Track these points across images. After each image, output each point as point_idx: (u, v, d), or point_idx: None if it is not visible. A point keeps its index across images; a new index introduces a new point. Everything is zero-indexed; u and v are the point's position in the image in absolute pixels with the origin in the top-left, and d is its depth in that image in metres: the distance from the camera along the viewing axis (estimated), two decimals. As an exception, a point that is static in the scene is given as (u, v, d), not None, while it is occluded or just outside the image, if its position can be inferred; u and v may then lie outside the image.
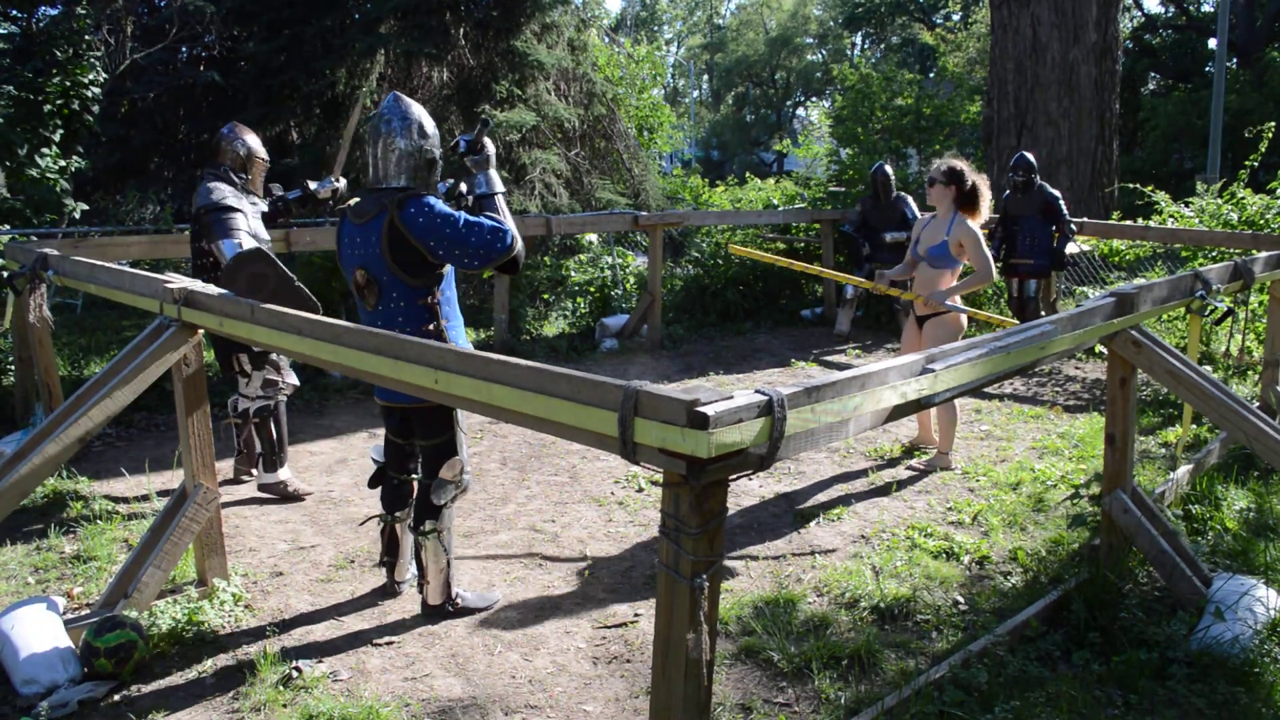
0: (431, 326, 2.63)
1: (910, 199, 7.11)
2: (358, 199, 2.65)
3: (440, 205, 2.53)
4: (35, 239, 5.15)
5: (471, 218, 2.54)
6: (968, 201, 4.13)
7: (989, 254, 4.09)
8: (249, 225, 3.65)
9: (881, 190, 7.08)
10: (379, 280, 2.58)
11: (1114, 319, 2.72)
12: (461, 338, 2.76)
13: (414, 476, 2.95)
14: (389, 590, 3.06)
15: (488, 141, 2.71)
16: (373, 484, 3.03)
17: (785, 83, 36.68)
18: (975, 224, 4.12)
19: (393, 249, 2.52)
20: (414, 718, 2.37)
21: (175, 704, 2.42)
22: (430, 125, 2.67)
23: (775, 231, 8.79)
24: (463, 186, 2.79)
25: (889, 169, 7.13)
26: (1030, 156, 6.51)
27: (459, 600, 2.91)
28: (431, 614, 2.88)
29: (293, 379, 3.92)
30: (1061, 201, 6.37)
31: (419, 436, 2.83)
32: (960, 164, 4.18)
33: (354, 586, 3.14)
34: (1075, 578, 2.89)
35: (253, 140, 3.81)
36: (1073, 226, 6.43)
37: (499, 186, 2.70)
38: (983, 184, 4.16)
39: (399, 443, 2.93)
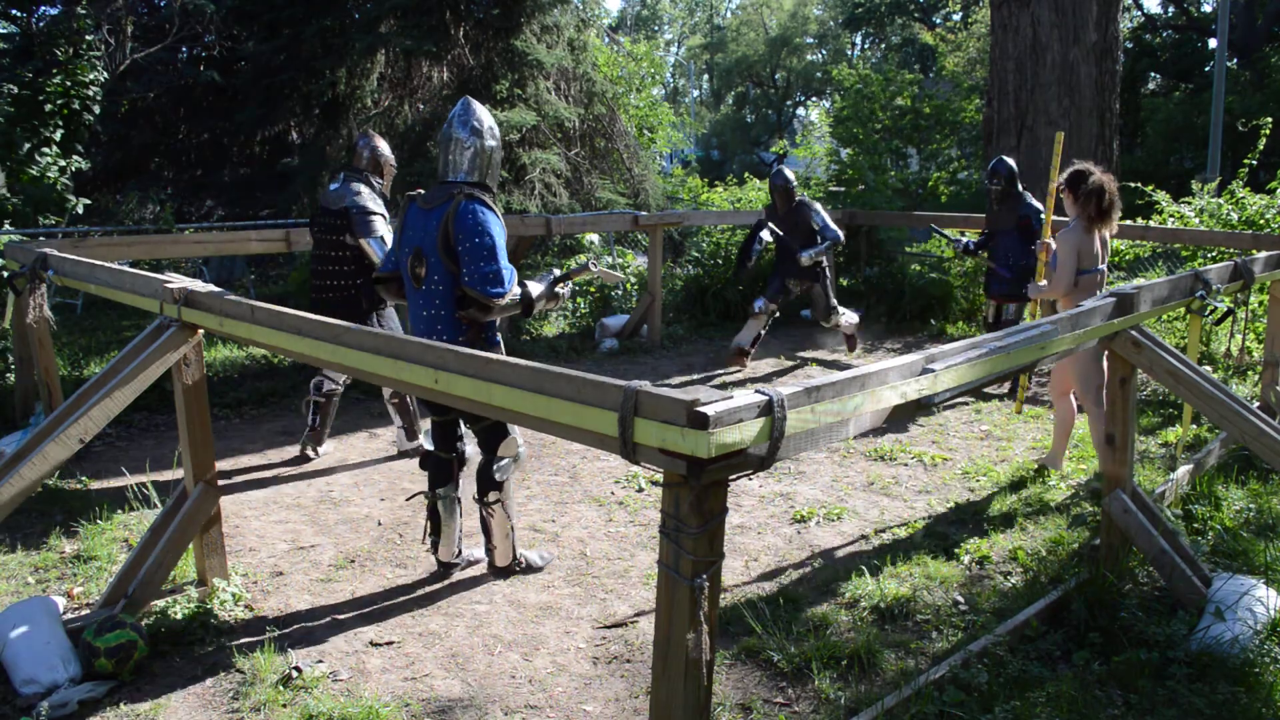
0: (464, 312, 2.86)
1: (817, 205, 6.06)
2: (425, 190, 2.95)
3: (491, 219, 2.81)
4: (43, 238, 5.15)
5: (500, 254, 2.79)
6: (1091, 207, 3.67)
7: (1072, 266, 3.68)
8: (386, 227, 3.99)
9: (779, 199, 6.02)
10: (428, 260, 2.85)
11: (1114, 319, 2.72)
12: (497, 334, 3.01)
13: (455, 455, 3.14)
14: (440, 575, 3.19)
15: (562, 287, 3.07)
16: (423, 465, 3.23)
17: (785, 83, 36.67)
18: (1094, 233, 3.70)
19: (445, 235, 2.79)
20: (414, 718, 2.37)
21: (175, 704, 2.42)
22: (495, 129, 2.96)
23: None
24: (556, 271, 3.17)
25: (789, 173, 6.07)
26: (1010, 162, 5.60)
27: (523, 560, 3.20)
28: (499, 574, 3.17)
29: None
30: (1044, 215, 5.05)
31: (469, 420, 3.03)
32: (1084, 166, 3.75)
33: (354, 586, 3.14)
34: (1075, 578, 2.89)
35: (384, 147, 4.11)
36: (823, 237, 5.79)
37: (533, 293, 2.98)
38: (1110, 186, 3.69)
39: (441, 422, 3.10)
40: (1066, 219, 3.89)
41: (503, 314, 2.87)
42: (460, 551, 3.21)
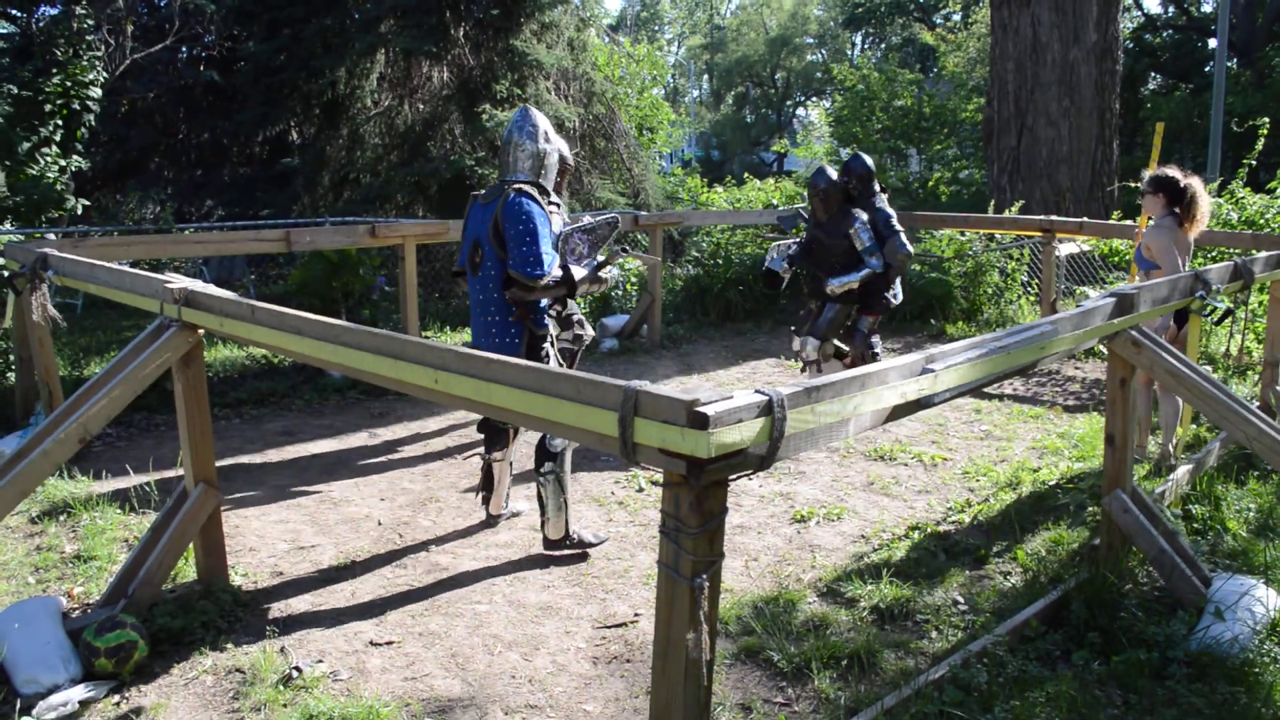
0: (509, 296, 3.11)
1: (865, 218, 4.68)
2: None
3: (534, 210, 3.06)
4: (49, 238, 5.14)
5: (541, 240, 3.04)
6: (1181, 209, 3.90)
7: (1177, 261, 3.86)
8: (560, 224, 4.11)
9: (818, 205, 4.77)
10: (484, 249, 3.13)
11: (1114, 319, 2.72)
12: (544, 316, 3.23)
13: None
14: (488, 522, 3.58)
15: (605, 271, 3.34)
16: (480, 428, 3.45)
17: (785, 83, 36.65)
18: (1182, 231, 3.90)
19: (496, 225, 3.09)
20: (414, 717, 2.37)
21: (175, 704, 2.43)
22: (552, 132, 3.24)
23: (775, 231, 8.78)
24: (601, 256, 3.44)
25: (832, 173, 4.78)
26: (868, 160, 4.88)
27: (575, 536, 3.31)
28: (552, 547, 3.29)
29: (590, 330, 4.27)
30: (894, 220, 4.73)
31: None
32: (1170, 171, 3.98)
33: (354, 586, 3.14)
34: (1075, 578, 2.89)
35: (565, 149, 4.32)
36: (889, 259, 4.66)
37: (575, 275, 3.21)
38: (1199, 190, 3.91)
39: None
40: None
41: (545, 294, 3.13)
42: (507, 504, 3.61)
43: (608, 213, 4.83)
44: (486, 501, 3.56)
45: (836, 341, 4.88)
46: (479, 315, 3.21)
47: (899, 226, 4.80)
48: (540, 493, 3.24)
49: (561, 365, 3.39)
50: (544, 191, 3.22)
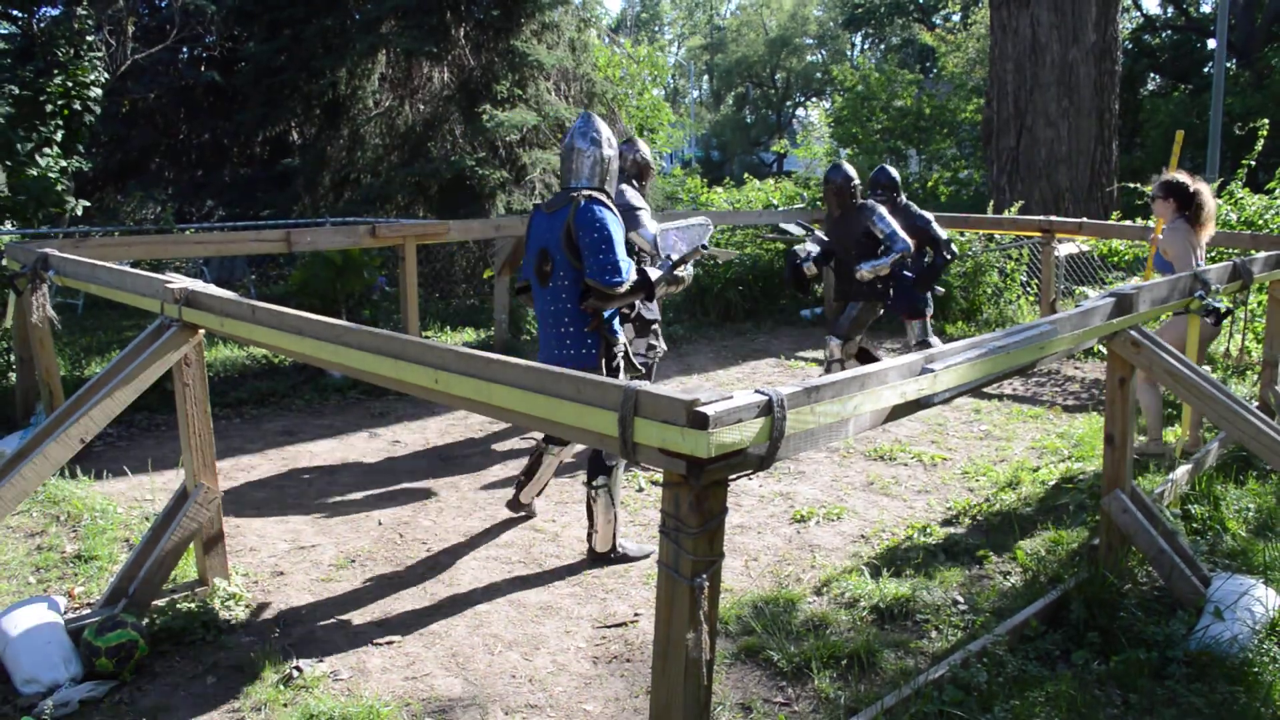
0: (584, 306, 3.07)
1: (882, 209, 4.94)
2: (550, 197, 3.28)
3: (608, 216, 3.03)
4: (45, 238, 5.15)
5: (617, 247, 3.01)
6: (1190, 211, 4.01)
7: (1193, 263, 3.94)
8: (652, 220, 4.21)
9: (833, 201, 4.95)
10: (554, 259, 3.07)
11: (1113, 319, 2.72)
12: (616, 324, 3.18)
13: None
14: (511, 506, 3.60)
15: (681, 270, 3.42)
16: None
17: (785, 83, 36.67)
18: (1196, 233, 4.00)
19: (569, 234, 3.02)
20: (414, 717, 2.38)
21: (176, 703, 2.43)
22: (612, 139, 3.20)
23: (775, 232, 8.79)
24: (675, 255, 3.52)
25: (849, 169, 4.97)
26: (892, 171, 5.42)
27: (620, 548, 3.32)
28: (598, 559, 3.30)
29: (663, 345, 4.38)
30: (935, 225, 5.23)
31: None
32: (1177, 176, 4.08)
33: (354, 586, 3.15)
34: (1074, 577, 2.89)
35: (647, 153, 4.44)
36: (947, 253, 5.22)
37: (652, 277, 3.23)
38: (1207, 193, 4.02)
39: None
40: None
41: (623, 301, 3.08)
42: (532, 503, 3.63)
43: (699, 214, 5.00)
44: (520, 487, 3.55)
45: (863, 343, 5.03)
46: (551, 327, 3.12)
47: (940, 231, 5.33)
48: (590, 505, 3.23)
49: (636, 375, 3.32)
50: (608, 195, 3.16)
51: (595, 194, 3.06)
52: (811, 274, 4.96)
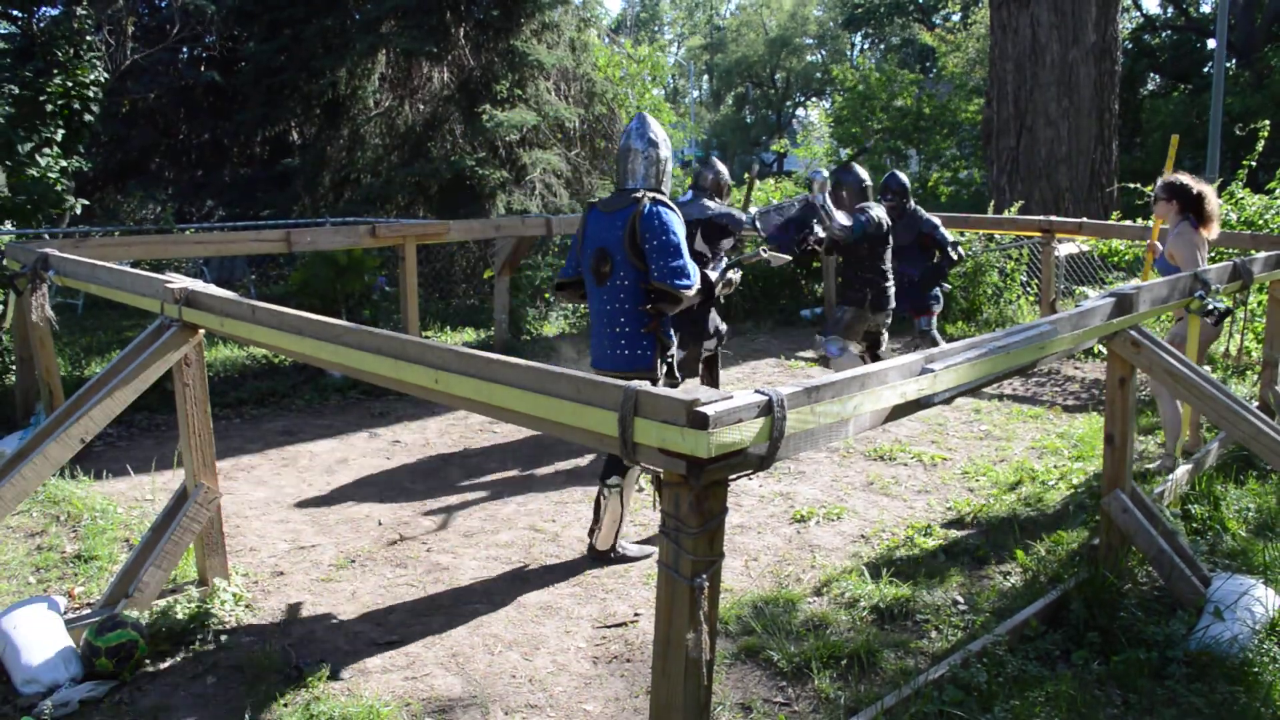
0: (647, 306, 3.08)
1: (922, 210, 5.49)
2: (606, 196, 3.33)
3: (673, 220, 3.05)
4: (46, 237, 5.15)
5: (684, 250, 3.03)
6: (1194, 212, 4.00)
7: (1200, 264, 3.94)
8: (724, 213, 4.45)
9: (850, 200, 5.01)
10: (614, 259, 3.07)
11: (1113, 319, 2.72)
12: (668, 328, 3.19)
13: None
14: (592, 553, 3.31)
15: (734, 272, 3.55)
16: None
17: (785, 83, 36.66)
18: (1200, 234, 3.99)
19: (632, 236, 3.02)
20: (414, 717, 2.38)
21: (176, 704, 2.43)
22: (666, 140, 3.21)
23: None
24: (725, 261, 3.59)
25: (861, 172, 5.09)
26: (902, 177, 5.56)
27: (620, 549, 3.30)
28: (598, 556, 3.28)
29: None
30: (941, 229, 5.46)
31: None
32: (1180, 178, 4.08)
33: (355, 586, 3.15)
34: (1074, 577, 2.89)
35: (725, 173, 4.68)
36: (954, 254, 5.44)
37: (712, 279, 3.41)
38: (1210, 193, 4.01)
39: None
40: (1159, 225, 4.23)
41: (688, 303, 3.10)
42: (618, 541, 3.32)
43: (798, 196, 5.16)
44: (591, 533, 3.29)
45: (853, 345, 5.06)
46: (606, 326, 3.12)
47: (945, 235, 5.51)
48: (600, 502, 3.20)
49: (678, 379, 3.31)
50: (665, 195, 3.17)
51: (658, 196, 3.07)
52: (813, 245, 4.91)
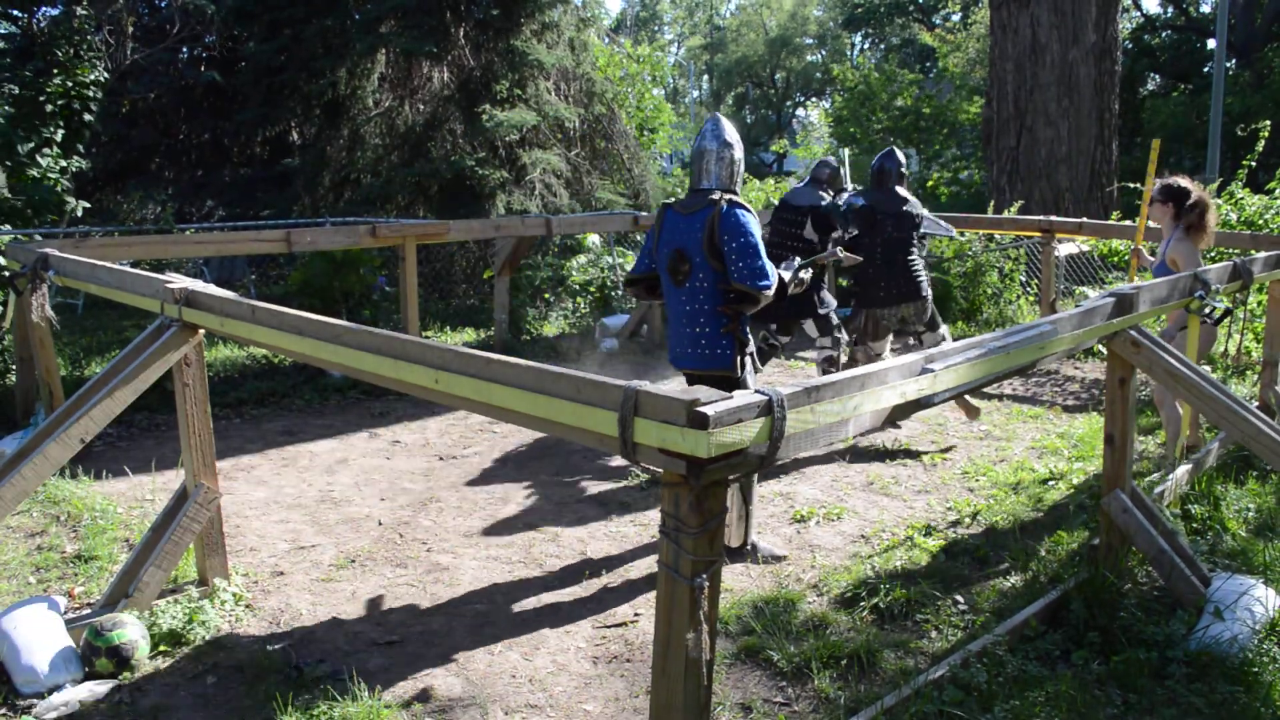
0: (724, 307, 3.10)
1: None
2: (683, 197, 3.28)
3: (751, 221, 3.07)
4: (40, 238, 5.15)
5: (762, 251, 3.06)
6: (1188, 218, 3.95)
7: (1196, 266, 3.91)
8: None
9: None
10: (692, 260, 3.10)
11: (1113, 319, 2.72)
12: (745, 327, 3.20)
13: None
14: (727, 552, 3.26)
15: (802, 274, 3.46)
16: None
17: (785, 83, 36.67)
18: (1195, 242, 3.97)
19: (711, 238, 3.05)
20: (414, 717, 2.38)
21: (176, 704, 2.43)
22: (739, 141, 3.24)
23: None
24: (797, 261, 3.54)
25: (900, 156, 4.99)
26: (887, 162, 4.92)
27: (751, 545, 3.29)
28: (731, 555, 3.24)
29: (845, 336, 4.65)
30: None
31: None
32: (1180, 181, 4.03)
33: (355, 586, 3.15)
34: (1074, 577, 2.89)
35: (835, 164, 4.81)
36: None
37: (785, 278, 3.30)
38: (1209, 200, 3.97)
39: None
40: (1152, 226, 4.19)
41: (766, 303, 3.11)
42: (749, 538, 3.32)
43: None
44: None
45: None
46: (685, 326, 3.15)
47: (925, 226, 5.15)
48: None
49: (759, 368, 3.40)
50: (738, 195, 3.21)
51: (734, 197, 3.10)
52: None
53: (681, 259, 3.11)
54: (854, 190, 4.92)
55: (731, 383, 3.06)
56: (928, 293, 4.67)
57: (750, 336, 3.22)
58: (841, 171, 4.76)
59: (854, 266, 4.52)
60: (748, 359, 3.20)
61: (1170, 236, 4.08)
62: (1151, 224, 4.50)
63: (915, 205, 4.71)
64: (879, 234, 4.61)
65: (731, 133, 3.20)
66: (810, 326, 4.47)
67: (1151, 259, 4.36)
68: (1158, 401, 4.16)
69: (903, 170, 4.82)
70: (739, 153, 3.19)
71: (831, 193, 4.59)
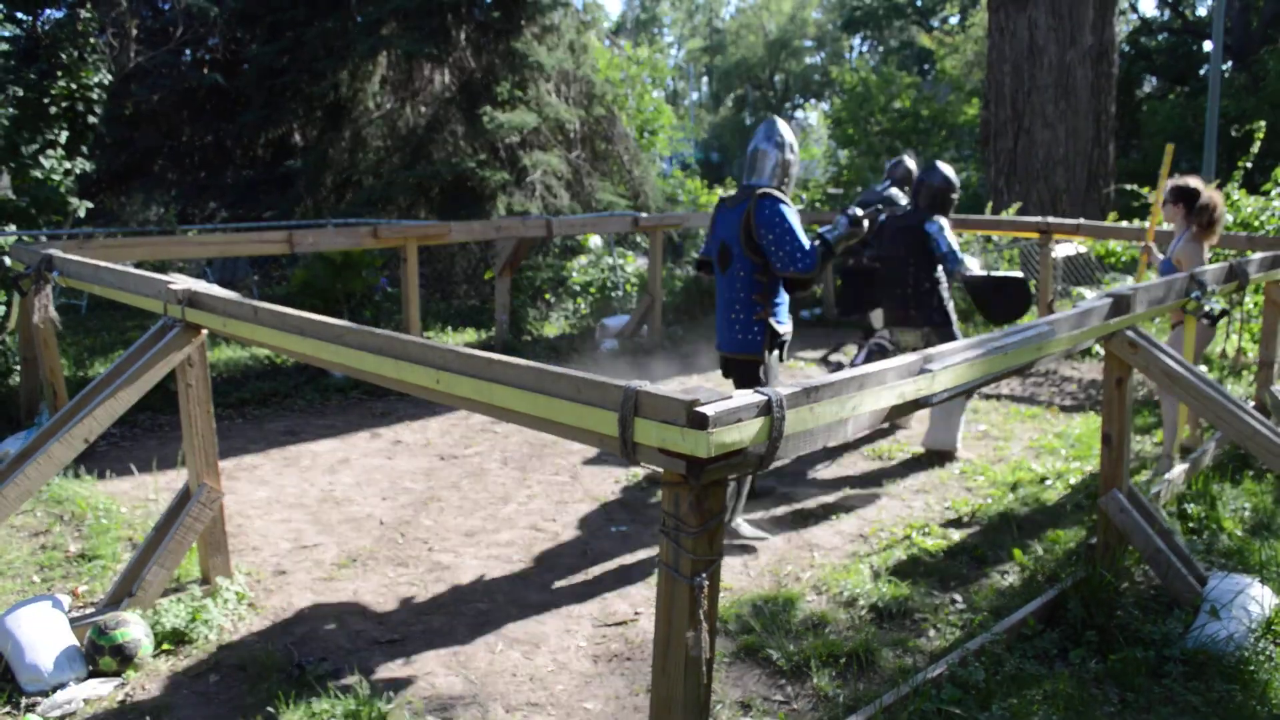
0: (758, 296, 3.36)
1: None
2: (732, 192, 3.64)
3: (784, 210, 3.26)
4: (44, 239, 5.17)
5: (798, 233, 3.26)
6: (1197, 220, 3.99)
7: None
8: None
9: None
10: (732, 251, 3.38)
11: (1110, 320, 2.74)
12: (785, 315, 3.45)
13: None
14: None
15: (866, 224, 3.54)
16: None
17: (784, 85, 36.69)
18: (1204, 242, 4.01)
19: (746, 229, 3.31)
20: (416, 715, 2.39)
21: (179, 703, 2.44)
22: (793, 143, 3.44)
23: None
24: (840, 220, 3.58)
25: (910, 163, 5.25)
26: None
27: (733, 527, 3.42)
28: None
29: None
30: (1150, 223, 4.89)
31: (734, 383, 3.44)
32: (1191, 182, 4.07)
33: (356, 585, 3.16)
34: (1072, 576, 2.91)
35: (914, 166, 5.03)
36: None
37: (831, 240, 3.44)
38: (1220, 204, 4.01)
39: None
40: (1163, 227, 4.27)
41: (820, 273, 3.31)
42: (733, 520, 3.43)
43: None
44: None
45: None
46: (725, 311, 3.47)
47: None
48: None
49: (783, 359, 3.58)
50: (784, 193, 3.41)
51: (771, 191, 3.32)
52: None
53: (725, 250, 3.40)
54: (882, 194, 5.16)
55: (753, 367, 3.38)
56: (936, 322, 4.33)
57: (785, 327, 3.44)
58: (911, 170, 4.99)
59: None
60: (780, 345, 3.45)
61: (1180, 236, 4.12)
62: (1166, 225, 4.53)
63: (937, 229, 4.33)
64: (883, 247, 4.46)
65: (785, 135, 3.40)
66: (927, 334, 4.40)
67: (1159, 256, 4.40)
68: (1162, 401, 4.18)
69: (937, 188, 4.41)
70: (790, 155, 3.38)
71: (905, 189, 4.80)
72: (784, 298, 3.45)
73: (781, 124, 3.45)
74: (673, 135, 16.54)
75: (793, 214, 3.27)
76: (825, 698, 2.42)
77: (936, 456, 4.35)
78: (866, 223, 3.47)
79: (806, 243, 3.26)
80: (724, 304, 3.46)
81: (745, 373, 3.44)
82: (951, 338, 4.29)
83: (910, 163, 4.97)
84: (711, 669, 1.76)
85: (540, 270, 8.16)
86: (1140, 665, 2.47)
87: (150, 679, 2.54)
